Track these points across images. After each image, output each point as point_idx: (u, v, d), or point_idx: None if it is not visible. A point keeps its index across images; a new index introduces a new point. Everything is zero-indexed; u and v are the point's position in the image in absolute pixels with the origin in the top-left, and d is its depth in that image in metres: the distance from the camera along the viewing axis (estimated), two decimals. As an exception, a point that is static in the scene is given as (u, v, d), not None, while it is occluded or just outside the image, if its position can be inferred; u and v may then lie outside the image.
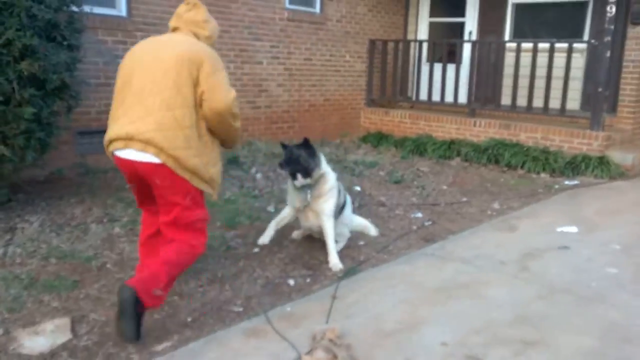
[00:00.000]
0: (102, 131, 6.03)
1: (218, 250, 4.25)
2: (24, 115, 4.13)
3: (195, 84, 3.09)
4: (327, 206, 4.13)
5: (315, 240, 4.48)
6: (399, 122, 9.58)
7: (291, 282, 3.87)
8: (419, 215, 5.48)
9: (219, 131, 3.26)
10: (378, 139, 9.39)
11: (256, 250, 4.34)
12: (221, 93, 3.13)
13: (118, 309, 2.85)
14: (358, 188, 6.21)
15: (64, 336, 3.01)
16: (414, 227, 5.11)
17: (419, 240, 4.80)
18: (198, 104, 3.12)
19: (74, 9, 4.79)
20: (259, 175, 6.33)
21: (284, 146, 4.11)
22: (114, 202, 5.14)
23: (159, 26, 6.83)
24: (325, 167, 4.13)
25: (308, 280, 3.92)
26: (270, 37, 8.34)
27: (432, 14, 10.61)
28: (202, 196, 3.30)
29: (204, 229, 3.33)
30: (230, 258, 4.16)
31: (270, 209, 5.30)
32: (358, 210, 5.39)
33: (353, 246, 4.57)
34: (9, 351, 2.82)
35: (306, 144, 4.00)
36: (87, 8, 5.92)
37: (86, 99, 6.20)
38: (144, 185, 3.18)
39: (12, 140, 4.23)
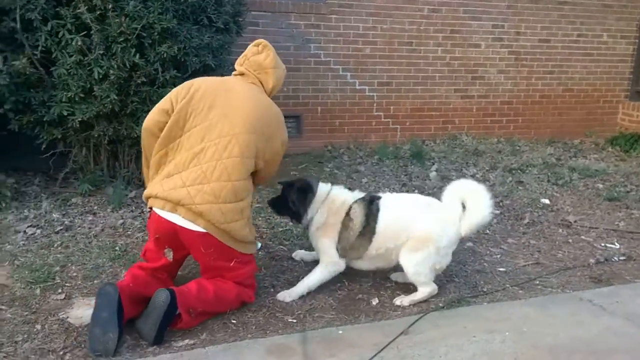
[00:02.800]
0: (288, 116, 6.41)
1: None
2: (166, 96, 4.48)
3: (257, 155, 3.06)
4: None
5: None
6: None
7: (374, 301, 3.41)
8: (614, 246, 4.30)
9: None
10: (633, 142, 7.72)
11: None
12: (276, 166, 3.32)
13: (148, 309, 2.83)
14: (546, 201, 5.18)
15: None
16: (591, 261, 4.03)
17: (584, 278, 3.77)
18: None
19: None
20: (433, 174, 5.78)
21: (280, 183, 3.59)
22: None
23: (354, 8, 6.76)
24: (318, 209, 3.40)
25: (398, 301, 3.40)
26: (493, 15, 7.52)
27: None
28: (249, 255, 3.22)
29: (252, 284, 3.24)
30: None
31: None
32: (525, 227, 4.51)
33: (487, 271, 3.82)
34: (56, 314, 3.08)
35: (301, 188, 3.41)
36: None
37: (273, 83, 6.51)
38: (179, 246, 3.05)
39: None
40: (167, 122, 3.01)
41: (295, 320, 3.17)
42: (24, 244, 3.77)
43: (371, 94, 7.08)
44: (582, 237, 4.45)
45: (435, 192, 5.15)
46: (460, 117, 7.62)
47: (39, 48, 4.13)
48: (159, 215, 2.93)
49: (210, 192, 2.89)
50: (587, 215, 4.93)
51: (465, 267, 3.86)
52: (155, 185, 2.97)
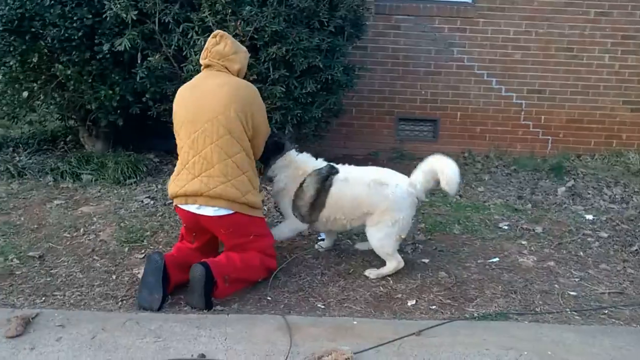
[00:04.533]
0: (424, 119, 6.58)
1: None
2: (276, 93, 5.01)
3: (244, 125, 3.40)
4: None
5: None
6: None
7: (411, 302, 3.49)
8: None
9: None
10: None
11: (425, 260, 4.01)
12: (265, 134, 3.59)
13: (190, 284, 3.30)
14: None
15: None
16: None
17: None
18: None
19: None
20: (562, 190, 5.44)
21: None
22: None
23: (506, 11, 6.62)
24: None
25: (433, 306, 3.44)
26: (679, 18, 6.71)
27: None
28: (263, 224, 3.59)
29: (273, 254, 3.63)
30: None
31: (504, 225, 4.62)
32: (629, 254, 4.11)
33: (554, 292, 3.62)
34: (131, 269, 3.74)
35: (273, 143, 3.80)
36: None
37: (412, 86, 6.73)
38: (204, 230, 3.49)
39: (271, 115, 5.19)
40: None
41: (323, 306, 3.40)
42: (134, 211, 4.57)
43: (519, 101, 6.83)
44: None
45: (552, 209, 4.92)
46: (630, 132, 6.93)
47: (172, 47, 4.91)
48: (182, 209, 3.40)
49: (219, 173, 3.29)
50: None
51: (532, 285, 3.69)
52: (172, 185, 3.44)
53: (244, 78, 3.68)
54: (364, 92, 6.79)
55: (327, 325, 3.16)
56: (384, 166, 3.88)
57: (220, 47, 3.49)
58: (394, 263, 3.65)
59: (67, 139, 6.41)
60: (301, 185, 3.71)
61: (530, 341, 3.02)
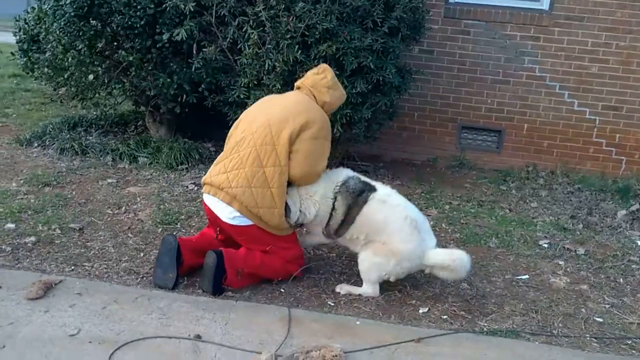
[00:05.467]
0: (488, 129, 6.43)
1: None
2: (326, 92, 5.07)
3: (292, 142, 3.36)
4: None
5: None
6: None
7: (423, 309, 3.45)
8: None
9: None
10: None
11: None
12: (307, 163, 3.39)
13: (203, 270, 3.41)
14: None
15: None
16: None
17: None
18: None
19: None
20: (622, 213, 5.14)
21: None
22: (440, 195, 5.50)
23: (585, 21, 6.35)
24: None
25: (444, 316, 3.40)
26: None
27: None
28: (285, 238, 3.56)
29: (299, 264, 3.61)
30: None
31: (544, 243, 4.44)
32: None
33: (578, 316, 3.46)
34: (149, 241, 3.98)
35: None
36: (507, 1, 6.33)
37: (478, 94, 6.61)
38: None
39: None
40: None
41: (333, 304, 3.43)
42: (177, 195, 4.80)
43: (592, 117, 6.51)
44: None
45: (604, 232, 4.71)
46: None
47: (228, 39, 5.11)
48: (205, 201, 3.49)
49: (245, 176, 3.33)
50: None
51: (556, 306, 3.53)
52: (207, 174, 3.53)
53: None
54: (427, 97, 6.73)
55: (329, 322, 3.19)
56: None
57: (319, 77, 3.56)
58: (369, 289, 3.51)
59: (138, 124, 6.80)
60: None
61: (534, 362, 2.90)
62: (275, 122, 3.36)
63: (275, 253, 3.49)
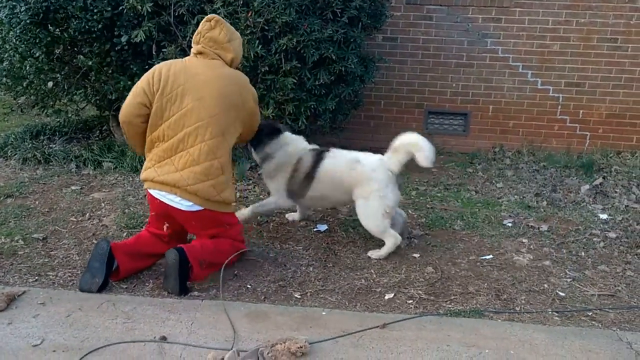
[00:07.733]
0: (454, 113, 6.52)
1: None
2: (288, 85, 5.13)
3: (239, 124, 3.58)
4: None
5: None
6: None
7: (388, 295, 3.52)
8: None
9: None
10: None
11: (416, 255, 4.03)
12: (256, 121, 3.83)
13: (166, 270, 3.45)
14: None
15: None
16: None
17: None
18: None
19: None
20: (585, 188, 5.27)
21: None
22: (407, 182, 5.50)
23: (544, 0, 6.44)
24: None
25: (410, 301, 3.47)
26: None
27: None
28: (233, 214, 3.75)
29: (242, 240, 3.79)
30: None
31: (508, 223, 4.54)
32: (635, 256, 3.95)
33: (541, 292, 3.56)
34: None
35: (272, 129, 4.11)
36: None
37: (443, 79, 6.69)
38: (174, 221, 3.60)
39: (284, 106, 5.32)
40: (148, 114, 3.47)
41: (299, 296, 3.49)
42: (142, 198, 4.82)
43: (556, 95, 6.64)
44: None
45: (568, 207, 4.82)
46: None
47: (188, 38, 5.11)
48: (154, 197, 3.50)
49: (201, 172, 3.39)
50: None
51: (520, 284, 3.63)
52: (150, 171, 3.50)
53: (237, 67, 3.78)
54: (393, 85, 6.80)
55: (295, 314, 3.24)
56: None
57: (215, 32, 3.48)
58: (391, 239, 3.87)
59: (103, 128, 6.78)
60: (297, 161, 4.01)
61: (496, 340, 2.99)
62: (217, 113, 3.42)
63: (222, 235, 3.62)
